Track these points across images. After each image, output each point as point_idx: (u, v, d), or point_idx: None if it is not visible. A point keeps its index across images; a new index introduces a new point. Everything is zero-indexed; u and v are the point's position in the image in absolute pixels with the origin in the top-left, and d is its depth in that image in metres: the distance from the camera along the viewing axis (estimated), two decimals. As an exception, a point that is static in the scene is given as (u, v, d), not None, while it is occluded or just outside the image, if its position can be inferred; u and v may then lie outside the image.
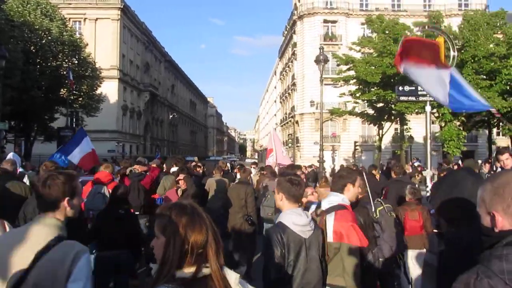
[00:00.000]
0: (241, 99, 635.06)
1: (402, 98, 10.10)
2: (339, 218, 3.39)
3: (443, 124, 22.87)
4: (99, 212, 5.56)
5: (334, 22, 50.09)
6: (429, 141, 9.80)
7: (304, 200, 4.36)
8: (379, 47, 23.78)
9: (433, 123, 26.87)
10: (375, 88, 26.12)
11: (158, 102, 67.20)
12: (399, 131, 35.05)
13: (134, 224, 5.49)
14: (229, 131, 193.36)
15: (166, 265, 1.54)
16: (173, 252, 1.55)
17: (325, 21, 50.07)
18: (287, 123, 61.91)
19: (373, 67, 23.67)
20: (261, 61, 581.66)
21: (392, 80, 23.68)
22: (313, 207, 4.25)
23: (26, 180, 7.95)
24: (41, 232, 2.03)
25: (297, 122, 52.81)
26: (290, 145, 55.04)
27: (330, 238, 3.36)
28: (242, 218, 7.43)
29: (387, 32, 24.85)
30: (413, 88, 10.01)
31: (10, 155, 8.35)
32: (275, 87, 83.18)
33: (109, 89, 43.13)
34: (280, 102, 70.77)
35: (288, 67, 61.67)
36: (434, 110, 25.76)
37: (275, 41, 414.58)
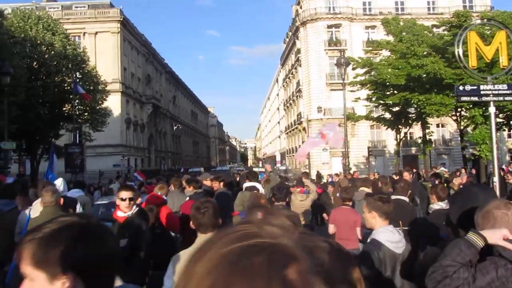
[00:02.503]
0: (240, 108, 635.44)
1: (463, 98, 9.04)
2: None
3: (473, 127, 21.93)
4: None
5: (338, 26, 49.33)
6: (495, 145, 8.80)
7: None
8: (402, 48, 22.90)
9: (465, 127, 26.01)
10: (392, 91, 25.20)
11: (161, 114, 66.34)
12: (408, 136, 34.14)
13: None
14: (230, 140, 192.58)
15: None
16: None
17: (329, 26, 49.34)
18: (293, 130, 60.98)
19: (396, 70, 22.75)
20: (258, 70, 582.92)
21: (413, 83, 22.77)
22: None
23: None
24: None
25: (304, 128, 51.85)
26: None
27: None
28: None
29: (404, 33, 24.00)
30: (475, 87, 9.03)
31: (59, 181, 7.63)
32: (277, 95, 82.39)
33: (112, 103, 42.09)
34: (284, 110, 69.90)
35: (292, 74, 60.87)
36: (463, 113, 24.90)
37: (270, 49, 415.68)
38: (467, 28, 9.75)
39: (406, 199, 5.86)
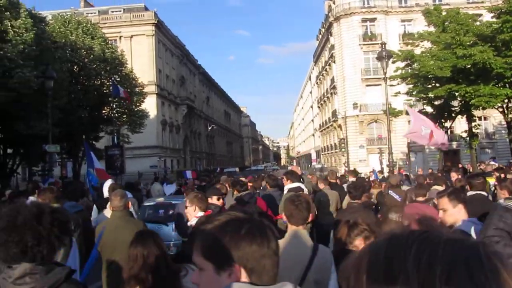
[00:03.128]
0: (273, 107, 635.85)
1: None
2: None
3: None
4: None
5: (372, 20, 48.28)
6: None
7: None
8: (446, 38, 21.97)
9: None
10: (435, 84, 24.23)
11: (195, 115, 66.88)
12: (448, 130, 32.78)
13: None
14: (263, 139, 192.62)
15: None
16: None
17: (363, 20, 48.33)
18: (328, 127, 60.18)
19: (440, 61, 21.84)
20: (290, 68, 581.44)
21: (459, 75, 21.81)
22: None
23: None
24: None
25: (339, 126, 51.01)
26: (337, 150, 53.22)
27: None
28: None
29: (446, 23, 23.04)
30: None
31: (109, 182, 7.48)
32: (310, 93, 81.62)
33: (148, 105, 42.65)
34: (318, 107, 69.12)
35: (326, 70, 60.06)
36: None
37: (302, 47, 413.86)
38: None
39: (485, 194, 5.50)
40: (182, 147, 59.23)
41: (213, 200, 6.09)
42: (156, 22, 49.72)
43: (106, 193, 7.26)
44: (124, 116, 31.53)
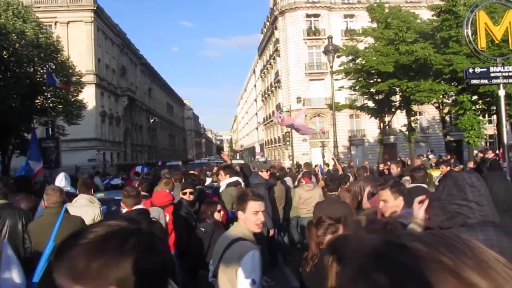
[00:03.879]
0: (216, 100, 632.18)
1: (473, 81, 8.64)
2: None
3: (462, 112, 21.80)
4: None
5: (316, 16, 48.95)
6: (505, 129, 8.46)
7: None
8: (390, 35, 22.52)
9: (450, 112, 25.93)
10: (377, 79, 24.89)
11: (136, 106, 64.71)
12: (385, 124, 34.09)
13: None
14: (206, 132, 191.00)
15: None
16: None
17: (308, 16, 48.90)
18: (271, 121, 60.46)
19: (383, 57, 22.38)
20: (234, 61, 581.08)
21: (401, 70, 22.47)
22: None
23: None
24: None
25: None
26: (280, 143, 53.55)
27: None
28: None
29: (389, 20, 23.65)
30: (485, 69, 8.65)
31: (61, 176, 6.69)
32: (254, 86, 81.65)
33: (86, 95, 40.53)
34: (262, 101, 69.26)
35: (270, 64, 60.23)
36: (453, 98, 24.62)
37: (247, 40, 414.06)
38: (475, 8, 9.34)
39: (426, 186, 5.71)
40: (123, 140, 57.13)
41: (186, 196, 5.59)
42: (95, 8, 47.30)
43: (61, 184, 6.54)
44: (60, 106, 29.71)
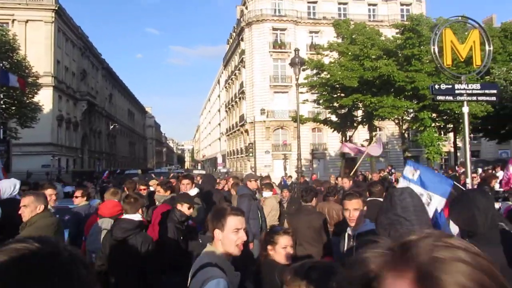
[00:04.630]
0: (179, 110, 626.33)
1: (439, 97, 8.67)
2: None
3: (422, 129, 22.25)
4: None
5: (283, 30, 49.39)
6: (468, 146, 8.50)
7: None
8: (355, 50, 22.79)
9: (409, 128, 26.43)
10: (340, 93, 25.12)
11: (96, 112, 62.89)
12: (347, 138, 34.52)
13: None
14: (167, 141, 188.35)
15: None
16: None
17: (274, 29, 49.27)
18: (235, 132, 60.19)
19: (348, 72, 22.59)
20: (199, 71, 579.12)
21: (364, 86, 22.75)
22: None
23: None
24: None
25: (246, 131, 51.25)
26: (243, 154, 53.25)
27: None
28: None
29: (354, 35, 23.99)
30: (450, 86, 8.71)
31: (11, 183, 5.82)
32: (218, 96, 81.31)
33: (43, 98, 38.92)
34: (226, 111, 68.97)
35: (235, 75, 60.14)
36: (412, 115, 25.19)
37: (212, 51, 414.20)
38: (442, 26, 9.43)
39: (382, 200, 5.75)
40: (80, 146, 55.21)
41: (183, 208, 4.99)
42: (56, 8, 45.77)
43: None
44: (13, 108, 28.27)
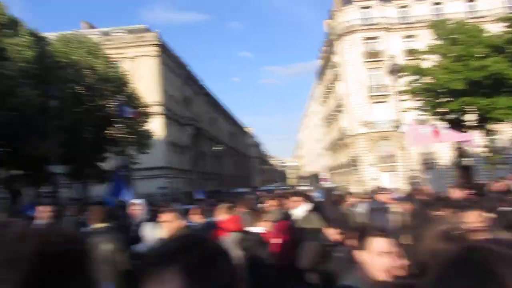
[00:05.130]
0: (277, 127, 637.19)
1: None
2: None
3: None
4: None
5: (374, 38, 48.07)
6: None
7: None
8: (457, 51, 21.38)
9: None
10: (447, 97, 23.54)
11: (202, 135, 66.48)
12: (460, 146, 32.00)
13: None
14: (269, 159, 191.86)
15: None
16: None
17: (365, 38, 48.17)
18: (336, 146, 59.46)
19: (452, 74, 21.16)
20: (293, 88, 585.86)
21: (472, 87, 21.08)
22: None
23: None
24: None
25: (348, 144, 50.26)
26: (346, 168, 52.24)
27: None
28: None
29: (455, 35, 22.48)
30: None
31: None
32: (315, 111, 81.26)
33: (155, 125, 42.34)
34: (325, 126, 68.57)
35: (330, 89, 59.75)
36: None
37: (304, 67, 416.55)
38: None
39: None
40: (190, 168, 58.63)
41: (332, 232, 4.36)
42: (159, 43, 49.77)
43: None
44: (131, 136, 30.98)
